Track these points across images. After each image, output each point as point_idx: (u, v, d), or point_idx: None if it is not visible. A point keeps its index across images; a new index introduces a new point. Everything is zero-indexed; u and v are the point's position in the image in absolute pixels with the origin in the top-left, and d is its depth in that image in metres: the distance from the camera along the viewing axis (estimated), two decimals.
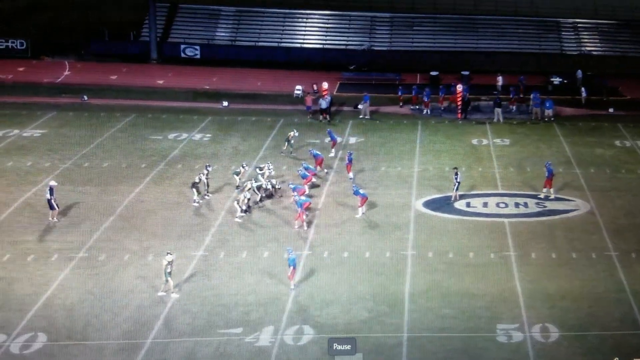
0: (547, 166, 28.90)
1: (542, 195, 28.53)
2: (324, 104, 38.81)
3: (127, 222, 25.71)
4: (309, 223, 25.58)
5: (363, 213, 26.41)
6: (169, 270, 20.87)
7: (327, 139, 33.24)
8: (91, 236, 24.48)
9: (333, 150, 32.59)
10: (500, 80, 45.10)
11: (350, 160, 30.20)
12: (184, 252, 23.30)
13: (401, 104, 41.33)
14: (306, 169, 28.90)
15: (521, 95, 43.30)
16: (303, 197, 26.24)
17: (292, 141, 32.87)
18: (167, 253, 21.16)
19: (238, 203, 26.08)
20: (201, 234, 24.93)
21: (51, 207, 25.33)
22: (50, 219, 25.35)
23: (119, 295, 20.94)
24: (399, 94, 41.72)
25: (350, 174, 29.97)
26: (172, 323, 19.70)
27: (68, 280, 21.73)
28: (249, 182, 27.30)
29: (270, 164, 29.00)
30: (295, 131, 33.47)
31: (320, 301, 20.90)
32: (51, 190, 25.35)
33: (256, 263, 22.97)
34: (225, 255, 23.59)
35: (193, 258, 23.19)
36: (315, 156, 30.50)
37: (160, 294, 20.90)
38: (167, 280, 20.93)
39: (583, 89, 43.56)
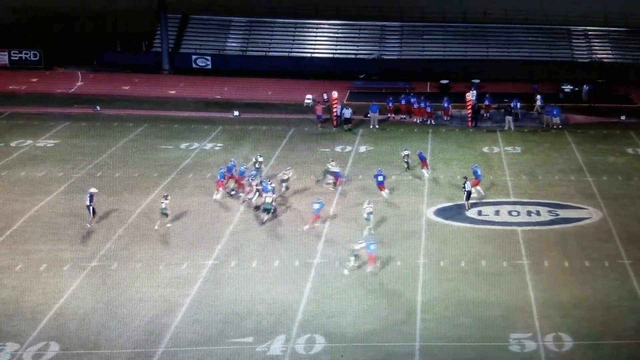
0: (472, 167, 29.32)
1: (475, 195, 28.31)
2: (347, 113, 38.86)
3: (139, 231, 25.80)
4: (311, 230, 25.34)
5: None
6: None
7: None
8: (103, 245, 24.57)
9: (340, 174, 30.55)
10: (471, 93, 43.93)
11: (381, 182, 28.48)
12: (195, 261, 23.33)
13: (392, 115, 40.98)
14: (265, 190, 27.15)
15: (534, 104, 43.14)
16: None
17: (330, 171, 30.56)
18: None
19: (272, 202, 26.60)
20: (212, 242, 24.97)
21: (91, 213, 25.69)
22: (88, 224, 25.67)
23: (131, 304, 20.97)
24: (390, 104, 41.11)
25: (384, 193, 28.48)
26: (183, 332, 19.70)
27: (80, 289, 21.80)
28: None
29: (259, 155, 29.52)
30: (331, 160, 31.11)
31: (332, 310, 20.85)
32: (91, 197, 25.66)
33: (267, 272, 22.96)
34: (236, 264, 23.60)
35: (204, 267, 23.22)
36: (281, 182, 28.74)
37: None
38: None
39: (539, 96, 42.61)
